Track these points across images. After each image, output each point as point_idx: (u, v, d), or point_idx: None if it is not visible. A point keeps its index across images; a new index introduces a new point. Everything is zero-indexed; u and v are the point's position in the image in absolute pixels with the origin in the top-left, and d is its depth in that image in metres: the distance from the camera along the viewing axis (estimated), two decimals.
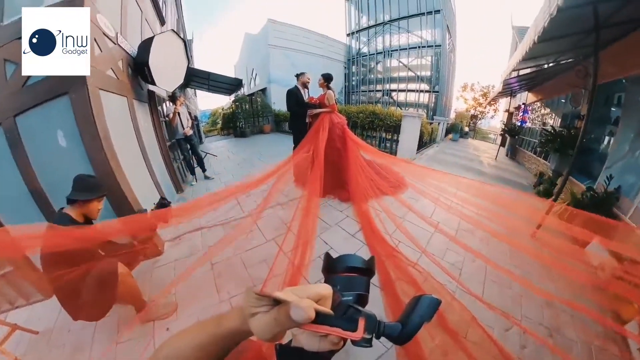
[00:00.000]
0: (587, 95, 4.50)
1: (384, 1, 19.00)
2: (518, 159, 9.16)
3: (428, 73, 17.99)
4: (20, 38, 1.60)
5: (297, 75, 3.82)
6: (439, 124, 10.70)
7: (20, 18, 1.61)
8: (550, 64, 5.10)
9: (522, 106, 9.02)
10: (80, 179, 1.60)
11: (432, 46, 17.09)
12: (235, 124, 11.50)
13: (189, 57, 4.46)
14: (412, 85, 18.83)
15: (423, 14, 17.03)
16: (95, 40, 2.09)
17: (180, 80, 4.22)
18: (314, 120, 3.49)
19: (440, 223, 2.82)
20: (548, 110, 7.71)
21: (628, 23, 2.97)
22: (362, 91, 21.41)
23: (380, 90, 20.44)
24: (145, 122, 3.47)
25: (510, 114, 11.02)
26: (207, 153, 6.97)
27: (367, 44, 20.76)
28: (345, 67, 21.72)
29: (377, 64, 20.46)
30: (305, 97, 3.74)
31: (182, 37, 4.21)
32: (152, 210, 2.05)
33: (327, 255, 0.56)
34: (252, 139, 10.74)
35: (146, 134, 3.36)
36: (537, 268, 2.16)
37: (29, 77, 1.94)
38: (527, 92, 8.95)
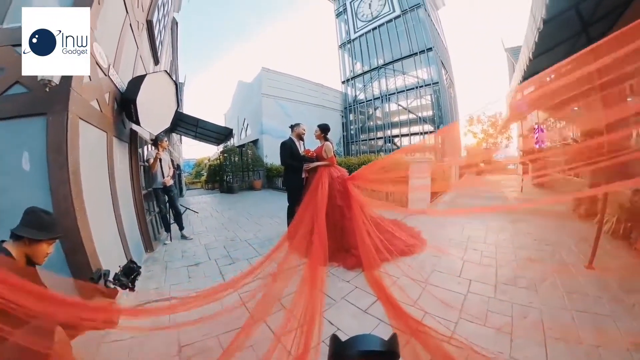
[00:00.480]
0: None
1: (376, 46, 21.99)
2: (547, 184, 9.16)
3: (430, 113, 19.57)
4: (15, 45, 1.70)
5: (292, 127, 4.01)
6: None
7: (19, 26, 1.74)
8: (552, 77, 5.58)
9: (536, 127, 9.47)
10: (33, 212, 1.48)
11: (429, 84, 19.09)
12: (222, 178, 11.75)
13: (178, 101, 4.80)
14: (415, 128, 20.30)
15: (416, 53, 19.55)
16: None
17: (167, 124, 4.43)
18: (311, 175, 3.53)
19: (474, 280, 2.62)
20: (563, 123, 8.06)
21: (611, 12, 3.34)
22: (362, 140, 22.88)
23: (381, 138, 21.88)
24: (122, 164, 3.47)
25: (526, 138, 11.56)
26: (187, 208, 6.90)
27: (364, 90, 23.14)
28: (342, 116, 23.69)
29: (375, 109, 22.42)
30: (301, 150, 3.85)
31: (174, 79, 4.59)
32: (117, 273, 1.85)
33: (334, 338, 0.50)
34: (241, 195, 10.77)
35: (121, 176, 3.32)
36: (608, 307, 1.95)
37: (11, 86, 1.99)
38: (537, 110, 9.55)
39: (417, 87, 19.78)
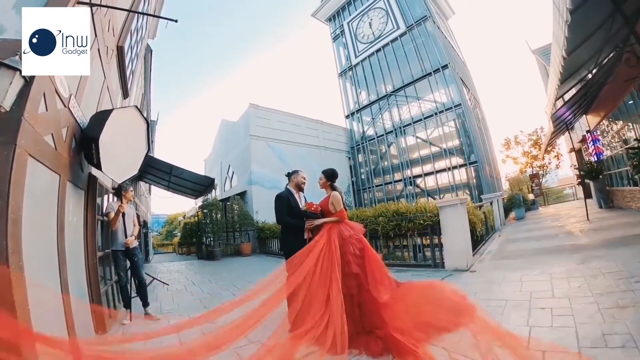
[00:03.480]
0: None
1: (382, 70, 23.44)
2: (618, 203, 9.31)
3: (456, 142, 20.01)
4: None
5: (289, 175, 4.10)
6: (491, 203, 11.07)
7: None
8: (594, 71, 5.85)
9: (588, 136, 9.63)
10: None
11: (450, 108, 19.83)
12: (200, 239, 11.73)
13: (149, 143, 5.05)
14: (440, 164, 20.56)
15: (429, 73, 20.67)
16: (44, 95, 2.44)
17: (135, 171, 4.62)
18: (315, 235, 3.51)
19: (548, 350, 2.46)
20: (620, 123, 8.32)
21: None
22: (377, 186, 23.19)
23: (400, 181, 22.20)
24: (75, 216, 3.55)
25: (579, 152, 11.61)
26: (154, 278, 6.88)
27: (373, 124, 24.10)
28: (349, 158, 24.34)
29: (389, 146, 23.09)
30: (302, 204, 3.88)
31: (145, 116, 4.90)
32: None
33: None
34: (224, 262, 10.67)
35: (72, 231, 3.38)
36: None
37: None
38: (584, 115, 9.80)
39: (436, 113, 20.63)
